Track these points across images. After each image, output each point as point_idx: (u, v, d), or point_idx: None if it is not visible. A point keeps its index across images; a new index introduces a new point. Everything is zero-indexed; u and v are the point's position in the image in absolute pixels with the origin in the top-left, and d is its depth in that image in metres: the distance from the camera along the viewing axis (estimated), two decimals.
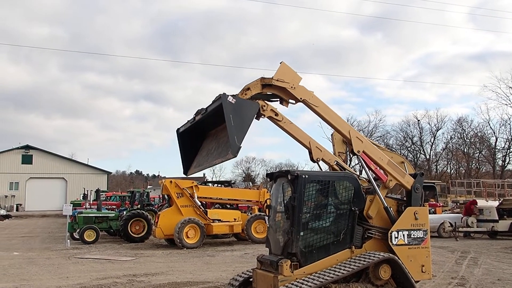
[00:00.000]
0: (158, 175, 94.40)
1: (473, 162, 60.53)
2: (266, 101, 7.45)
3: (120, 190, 54.89)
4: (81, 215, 20.39)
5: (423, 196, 8.14)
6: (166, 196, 20.29)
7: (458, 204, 29.66)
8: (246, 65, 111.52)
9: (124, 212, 21.48)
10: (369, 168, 7.95)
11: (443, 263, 12.92)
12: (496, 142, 57.49)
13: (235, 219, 18.76)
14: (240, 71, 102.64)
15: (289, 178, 7.36)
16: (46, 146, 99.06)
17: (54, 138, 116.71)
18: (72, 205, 24.30)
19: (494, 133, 57.33)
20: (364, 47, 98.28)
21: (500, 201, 23.50)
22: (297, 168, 63.61)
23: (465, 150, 60.76)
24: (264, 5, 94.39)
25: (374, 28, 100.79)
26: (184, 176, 8.41)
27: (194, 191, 18.27)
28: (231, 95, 6.80)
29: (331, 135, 9.86)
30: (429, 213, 9.44)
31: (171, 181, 18.25)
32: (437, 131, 63.04)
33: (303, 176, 7.31)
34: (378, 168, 7.98)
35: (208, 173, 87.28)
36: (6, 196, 53.19)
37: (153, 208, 26.39)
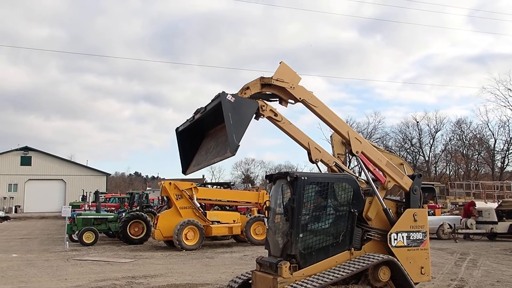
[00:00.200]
0: (157, 177, 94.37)
1: (472, 163, 60.63)
2: (265, 101, 7.45)
3: (119, 192, 54.84)
4: (80, 216, 20.36)
5: (422, 198, 8.14)
6: (165, 197, 20.27)
7: (457, 205, 29.67)
8: (246, 66, 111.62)
9: (123, 214, 21.45)
10: (368, 169, 7.96)
11: (443, 265, 12.92)
12: (495, 144, 57.69)
13: (234, 221, 18.75)
14: (239, 73, 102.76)
15: (288, 179, 7.35)
16: (45, 148, 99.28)
17: (53, 140, 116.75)
18: (71, 206, 24.21)
19: (493, 134, 57.56)
20: (363, 49, 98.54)
21: (499, 203, 23.50)
22: (296, 170, 63.64)
23: (464, 151, 60.88)
24: (264, 7, 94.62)
25: (374, 30, 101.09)
26: (183, 175, 8.39)
27: (193, 192, 18.25)
28: (230, 94, 6.80)
29: (330, 136, 9.86)
30: (428, 215, 9.44)
31: (170, 183, 18.23)
32: (436, 133, 63.24)
33: (302, 178, 7.30)
34: (376, 169, 7.99)
35: (207, 175, 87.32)
36: (4, 198, 53.08)
37: (152, 210, 26.34)
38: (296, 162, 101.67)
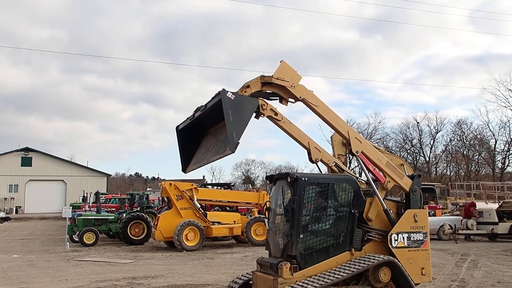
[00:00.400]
0: (158, 178, 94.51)
1: (473, 164, 60.62)
2: (265, 100, 7.45)
3: (120, 193, 54.86)
4: (81, 217, 20.37)
5: (422, 198, 8.14)
6: (165, 198, 20.27)
7: (458, 206, 29.63)
8: (246, 67, 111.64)
9: (124, 215, 21.45)
10: (368, 169, 7.96)
11: (443, 266, 12.91)
12: (495, 145, 57.68)
13: (234, 222, 18.75)
14: (240, 73, 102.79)
15: (289, 180, 7.35)
16: (46, 148, 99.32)
17: (53, 140, 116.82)
18: (71, 207, 24.23)
19: (494, 135, 57.53)
20: (364, 49, 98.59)
21: (499, 204, 23.49)
22: (296, 171, 63.62)
23: (465, 152, 60.87)
24: (265, 7, 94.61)
25: (374, 31, 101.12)
26: (183, 174, 8.39)
27: (194, 193, 18.25)
28: (230, 91, 6.81)
29: (331, 137, 9.86)
30: (429, 216, 9.44)
31: (170, 184, 18.23)
32: (437, 134, 63.24)
33: (303, 179, 7.30)
34: (376, 169, 7.99)
35: (208, 176, 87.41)
36: (5, 199, 53.12)
37: (153, 211, 26.37)
38: (296, 163, 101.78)
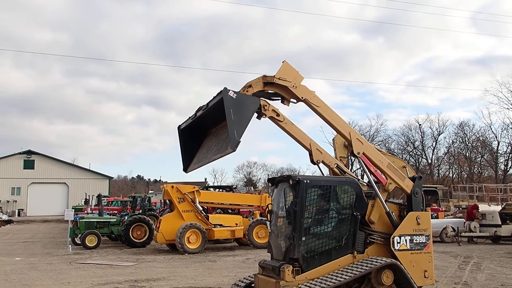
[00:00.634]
0: (160, 180, 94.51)
1: (475, 166, 60.46)
2: (267, 101, 7.45)
3: (122, 195, 54.91)
4: (83, 220, 20.37)
5: (424, 201, 8.11)
6: (167, 201, 20.26)
7: (461, 208, 29.56)
8: (248, 69, 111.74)
9: (126, 217, 21.46)
10: (369, 171, 7.94)
11: (446, 268, 12.86)
12: (498, 147, 57.55)
13: (236, 224, 18.73)
14: (242, 76, 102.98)
15: (291, 183, 7.34)
16: (48, 151, 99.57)
17: (56, 143, 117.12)
18: (73, 210, 24.27)
19: (496, 137, 57.41)
20: (366, 51, 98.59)
21: (502, 206, 23.40)
22: (298, 173, 63.57)
23: (467, 154, 60.74)
24: (266, 10, 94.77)
25: (376, 33, 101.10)
26: (185, 174, 8.37)
27: (196, 196, 18.25)
28: (232, 90, 6.80)
29: (333, 139, 9.84)
30: (431, 218, 9.41)
31: (172, 186, 18.24)
32: (439, 136, 63.14)
33: (305, 181, 7.29)
34: (377, 170, 7.96)
35: (210, 178, 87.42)
36: (8, 201, 53.23)
37: (155, 213, 26.36)
38: (298, 165, 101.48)
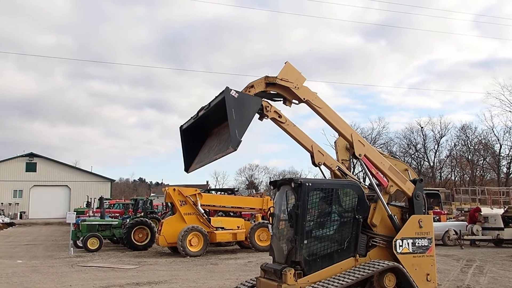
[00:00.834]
0: (162, 183, 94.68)
1: (478, 169, 60.31)
2: (270, 102, 7.46)
3: (124, 198, 54.91)
4: (85, 223, 20.38)
5: (426, 203, 8.10)
6: (169, 204, 20.26)
7: (463, 211, 29.45)
8: (250, 72, 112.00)
9: (128, 220, 21.45)
10: (371, 173, 7.93)
11: (448, 272, 12.81)
12: (500, 149, 57.39)
13: (238, 227, 18.70)
14: (244, 79, 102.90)
15: (293, 186, 7.34)
16: (50, 154, 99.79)
17: (58, 146, 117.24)
18: (75, 213, 24.25)
19: (498, 140, 57.26)
20: (368, 54, 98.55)
21: (505, 209, 23.32)
22: (300, 176, 63.51)
23: (469, 157, 60.59)
24: (269, 13, 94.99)
25: (378, 35, 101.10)
26: (186, 174, 8.38)
27: (198, 198, 18.24)
28: (234, 90, 6.81)
29: (335, 142, 9.85)
30: (434, 221, 9.39)
31: (174, 189, 18.23)
32: (441, 138, 63.05)
33: (307, 184, 7.29)
34: (379, 173, 7.95)
35: (211, 181, 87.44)
36: (10, 204, 53.29)
37: (157, 216, 26.36)
38: (300, 168, 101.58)
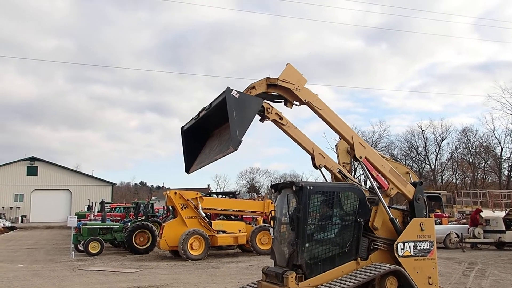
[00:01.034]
0: (163, 186, 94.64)
1: (479, 172, 60.23)
2: (271, 104, 7.47)
3: (125, 202, 54.92)
4: (86, 226, 20.38)
5: (427, 206, 8.09)
6: (170, 207, 20.26)
7: (464, 214, 29.42)
8: (251, 76, 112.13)
9: (129, 224, 21.45)
10: (371, 175, 7.93)
11: (450, 275, 12.79)
12: (501, 152, 57.34)
13: (239, 230, 18.69)
14: (245, 82, 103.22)
15: (294, 189, 7.34)
16: (51, 158, 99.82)
17: (59, 150, 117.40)
18: (76, 216, 24.27)
19: (500, 143, 57.22)
20: (369, 57, 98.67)
21: (506, 212, 23.28)
22: (301, 179, 63.47)
23: (471, 160, 60.53)
24: (270, 17, 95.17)
25: (379, 39, 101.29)
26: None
27: (199, 202, 18.24)
28: (235, 90, 6.82)
29: (336, 145, 9.86)
30: (435, 224, 9.37)
31: (175, 192, 18.23)
32: (442, 141, 63.01)
33: (308, 187, 7.29)
34: (379, 175, 7.95)
35: (213, 184, 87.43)
36: (11, 208, 53.31)
37: (158, 220, 26.34)
38: (301, 171, 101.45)
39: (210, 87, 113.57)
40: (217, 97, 7.13)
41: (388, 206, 7.88)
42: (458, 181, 63.07)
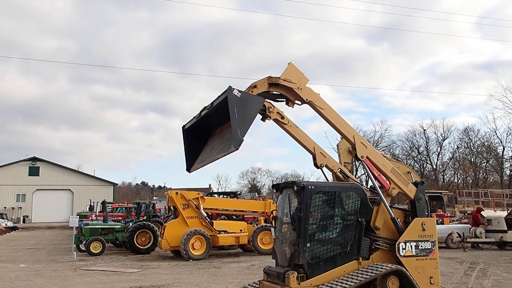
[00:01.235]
0: (164, 186, 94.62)
1: (480, 171, 60.16)
2: (272, 103, 7.47)
3: (126, 202, 54.96)
4: (87, 226, 20.40)
5: (429, 206, 8.08)
6: (172, 207, 20.27)
7: (466, 214, 29.37)
8: (253, 76, 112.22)
9: (130, 224, 21.47)
10: (373, 175, 7.92)
11: (452, 275, 12.77)
12: (503, 152, 57.29)
13: (241, 230, 18.69)
14: (247, 82, 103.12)
15: (295, 189, 7.34)
16: (53, 158, 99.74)
17: (61, 150, 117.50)
18: (78, 216, 24.32)
19: (501, 142, 57.14)
20: (371, 57, 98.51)
21: (508, 211, 23.25)
22: (303, 179, 63.45)
23: (472, 159, 60.46)
24: (271, 16, 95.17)
25: (381, 38, 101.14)
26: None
27: (200, 202, 18.24)
28: (237, 89, 6.81)
29: (337, 145, 9.86)
30: (437, 224, 9.37)
31: (177, 193, 18.24)
32: (444, 141, 62.95)
33: (310, 187, 7.29)
34: (381, 175, 7.95)
35: (214, 184, 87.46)
36: (13, 208, 53.40)
37: (159, 220, 26.35)
38: (302, 171, 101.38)
39: (212, 87, 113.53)
40: (219, 96, 7.13)
41: (389, 206, 7.88)
42: (459, 181, 63.03)
